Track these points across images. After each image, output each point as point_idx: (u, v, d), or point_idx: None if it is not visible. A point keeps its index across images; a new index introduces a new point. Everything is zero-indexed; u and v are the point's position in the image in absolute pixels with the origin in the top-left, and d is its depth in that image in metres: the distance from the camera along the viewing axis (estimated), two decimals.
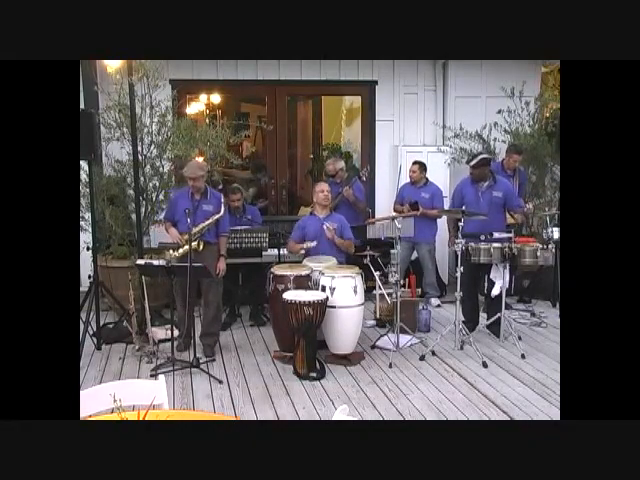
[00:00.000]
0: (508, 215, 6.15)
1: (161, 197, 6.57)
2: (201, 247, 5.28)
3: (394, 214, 6.50)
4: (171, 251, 5.39)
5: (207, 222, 5.32)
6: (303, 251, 5.81)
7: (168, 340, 5.33)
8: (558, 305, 6.81)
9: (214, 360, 5.32)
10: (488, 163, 5.90)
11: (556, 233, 6.62)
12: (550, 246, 5.65)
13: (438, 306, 7.10)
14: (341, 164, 7.14)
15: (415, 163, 7.15)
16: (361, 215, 7.02)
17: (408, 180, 7.24)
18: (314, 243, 5.73)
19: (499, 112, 7.45)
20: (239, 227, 6.34)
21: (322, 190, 5.94)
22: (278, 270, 5.39)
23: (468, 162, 5.94)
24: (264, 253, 6.43)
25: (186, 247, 5.15)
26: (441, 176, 7.60)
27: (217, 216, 5.35)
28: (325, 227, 5.72)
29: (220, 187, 6.82)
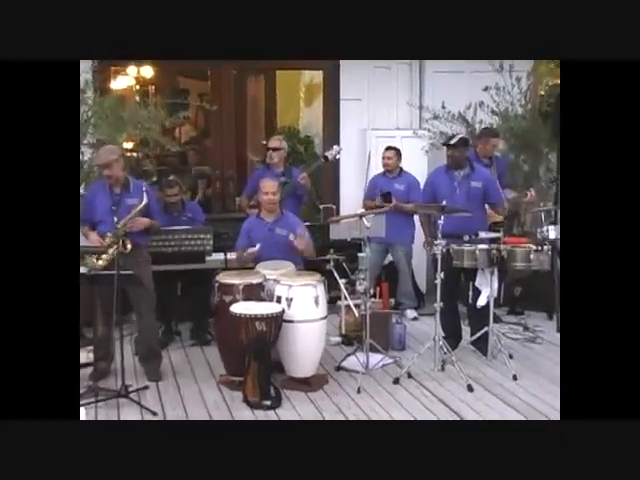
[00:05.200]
0: (491, 212, 6.19)
1: (82, 191, 6.47)
2: (128, 247, 5.17)
3: (362, 210, 6.50)
4: (94, 259, 5.26)
5: (129, 215, 5.21)
6: (248, 253, 5.79)
7: (90, 365, 5.26)
8: (556, 317, 6.90)
9: (147, 387, 5.26)
10: (467, 144, 5.97)
11: (552, 232, 6.69)
12: (545, 247, 5.65)
13: (415, 319, 7.14)
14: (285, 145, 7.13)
15: (389, 148, 7.23)
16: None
17: (379, 170, 7.29)
18: (257, 247, 5.72)
19: (485, 89, 7.52)
20: (177, 227, 6.29)
21: (267, 193, 5.91)
22: (225, 278, 5.37)
23: (446, 142, 5.97)
24: (207, 258, 6.39)
25: (111, 251, 5.08)
26: (417, 165, 7.64)
27: (141, 205, 5.23)
28: (292, 238, 5.75)
29: (154, 179, 6.77)
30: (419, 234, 6.85)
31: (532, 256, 5.53)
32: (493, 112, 7.66)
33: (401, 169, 7.21)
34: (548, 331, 6.74)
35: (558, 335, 6.61)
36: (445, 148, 5.99)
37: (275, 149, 6.91)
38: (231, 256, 6.35)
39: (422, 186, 6.43)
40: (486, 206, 6.06)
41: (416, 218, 6.97)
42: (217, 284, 5.36)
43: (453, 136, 6.01)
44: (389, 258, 7.32)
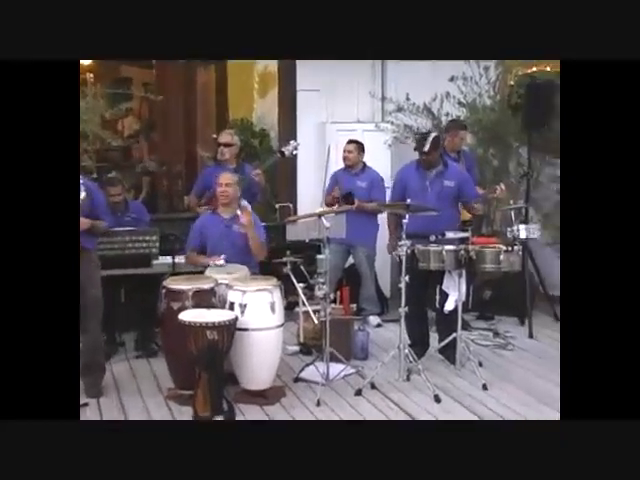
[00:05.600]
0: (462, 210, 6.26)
1: None
2: None
3: (322, 209, 6.50)
4: None
5: None
6: (213, 263, 5.76)
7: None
8: (527, 322, 7.02)
9: (87, 405, 5.20)
10: (440, 143, 6.01)
11: (523, 231, 6.84)
12: (516, 248, 5.73)
13: (378, 326, 7.20)
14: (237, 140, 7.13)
15: (351, 142, 7.25)
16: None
17: (339, 166, 7.31)
18: (222, 259, 5.71)
19: (452, 80, 7.60)
20: (120, 229, 6.24)
21: (221, 184, 5.92)
22: (173, 283, 5.34)
23: (418, 148, 5.95)
24: (154, 262, 6.34)
25: None
26: (380, 160, 7.71)
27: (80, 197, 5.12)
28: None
29: (94, 177, 6.70)
30: (383, 234, 6.90)
31: (502, 257, 5.60)
32: (460, 104, 7.75)
33: (364, 165, 7.26)
34: (520, 337, 6.85)
35: (530, 341, 6.80)
36: (415, 142, 6.06)
37: (226, 144, 6.88)
38: (180, 259, 6.33)
39: (388, 183, 6.48)
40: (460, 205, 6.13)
41: (380, 217, 7.02)
42: (164, 290, 5.33)
43: (424, 138, 5.98)
44: (350, 260, 7.36)
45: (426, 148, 5.84)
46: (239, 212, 5.77)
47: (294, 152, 7.02)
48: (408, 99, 7.81)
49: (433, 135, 5.94)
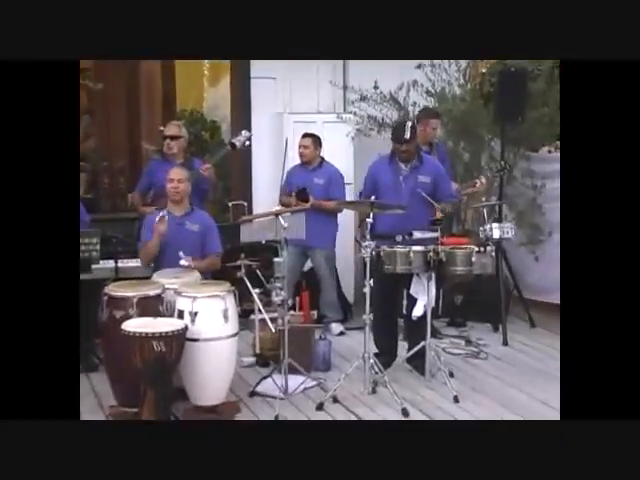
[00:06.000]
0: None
1: None
2: None
3: (278, 208, 6.48)
4: None
5: None
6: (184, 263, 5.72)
7: None
8: (501, 329, 7.07)
9: None
10: (417, 133, 6.03)
11: (496, 231, 6.86)
12: (489, 248, 5.77)
13: (341, 334, 7.23)
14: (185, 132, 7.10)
15: (306, 136, 7.24)
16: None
17: (298, 159, 7.32)
18: (186, 260, 5.68)
19: (419, 67, 7.63)
20: None
21: (172, 180, 5.91)
22: (115, 290, 5.28)
23: (397, 137, 5.92)
24: (94, 266, 6.25)
25: None
26: (342, 154, 7.74)
27: None
28: (182, 261, 5.70)
29: None
30: (343, 235, 6.90)
31: (474, 259, 5.65)
32: (428, 93, 7.79)
33: (322, 160, 7.26)
34: (493, 345, 6.91)
35: (504, 349, 6.85)
36: (393, 132, 6.04)
37: (174, 137, 6.84)
38: (123, 263, 6.25)
39: (354, 179, 6.48)
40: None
41: (341, 217, 7.03)
42: (106, 297, 5.27)
43: (401, 125, 5.97)
44: (310, 264, 7.37)
45: (407, 135, 5.82)
46: (185, 262, 5.71)
47: (246, 143, 7.03)
48: (376, 87, 7.83)
49: (410, 123, 5.95)
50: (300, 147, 7.21)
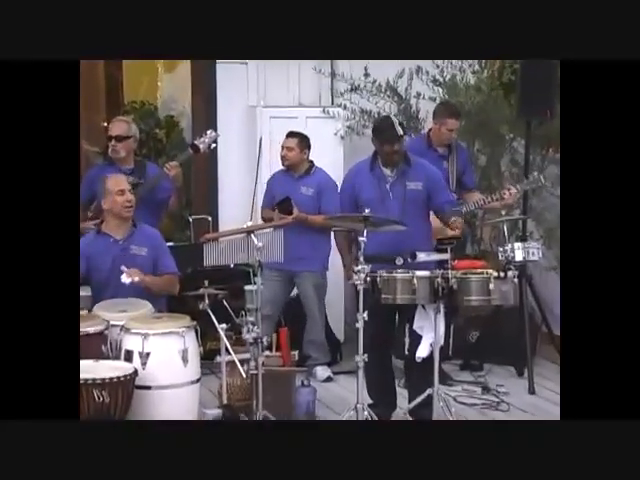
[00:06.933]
0: (437, 222, 6.25)
1: None
2: None
3: (250, 224, 6.36)
4: None
5: None
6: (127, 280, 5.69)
7: None
8: (527, 374, 7.00)
9: None
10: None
11: (519, 252, 6.77)
12: (511, 274, 5.71)
13: (328, 379, 7.25)
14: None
15: (291, 136, 7.19)
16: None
17: (275, 165, 7.39)
18: (129, 275, 5.64)
19: None
20: None
21: (122, 191, 5.86)
22: None
23: (387, 136, 5.86)
24: None
25: None
26: (329, 157, 7.76)
27: None
28: (124, 277, 5.65)
29: None
30: (335, 257, 6.87)
31: (492, 286, 5.59)
32: (435, 81, 7.83)
33: (311, 165, 7.22)
34: (517, 393, 6.86)
35: (530, 398, 6.90)
36: (382, 130, 5.98)
37: (120, 137, 6.72)
38: None
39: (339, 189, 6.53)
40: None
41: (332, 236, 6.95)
42: None
43: (387, 121, 6.04)
44: (295, 292, 7.38)
45: (400, 131, 5.87)
46: (126, 280, 5.67)
47: (212, 146, 6.99)
48: (367, 74, 7.88)
49: (395, 119, 6.05)
50: (283, 149, 7.18)
